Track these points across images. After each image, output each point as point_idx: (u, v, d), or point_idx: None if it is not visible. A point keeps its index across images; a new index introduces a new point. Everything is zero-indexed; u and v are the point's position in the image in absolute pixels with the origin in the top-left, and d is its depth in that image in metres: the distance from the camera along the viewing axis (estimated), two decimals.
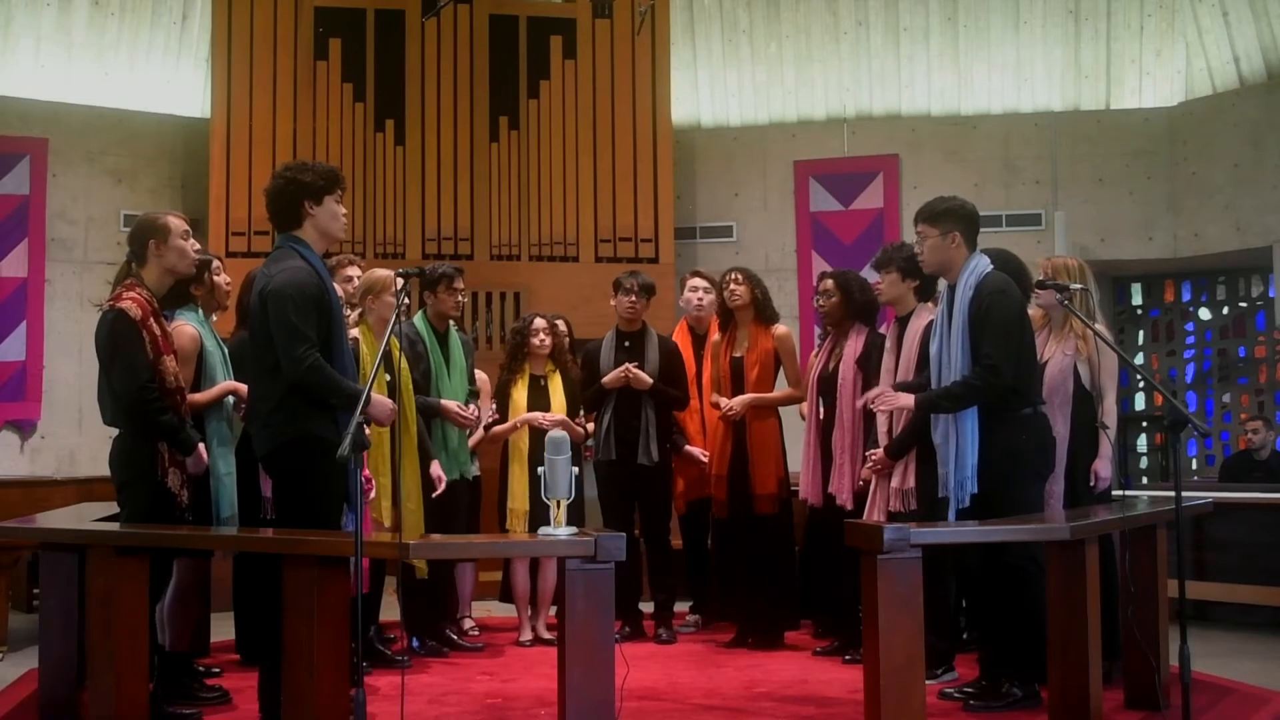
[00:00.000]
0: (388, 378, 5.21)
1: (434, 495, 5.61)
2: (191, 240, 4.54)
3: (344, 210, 4.29)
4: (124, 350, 4.28)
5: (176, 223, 4.48)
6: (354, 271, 5.73)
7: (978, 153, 10.33)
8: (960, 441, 4.51)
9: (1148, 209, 10.12)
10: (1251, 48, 9.77)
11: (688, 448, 6.38)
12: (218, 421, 4.91)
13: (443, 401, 5.83)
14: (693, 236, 10.47)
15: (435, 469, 5.67)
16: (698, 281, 6.63)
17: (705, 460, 6.20)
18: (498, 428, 6.22)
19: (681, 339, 6.61)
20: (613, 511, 6.21)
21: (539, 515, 5.71)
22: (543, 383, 6.25)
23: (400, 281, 4.11)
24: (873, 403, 4.98)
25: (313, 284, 4.05)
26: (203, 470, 4.58)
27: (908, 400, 4.75)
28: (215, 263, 5.19)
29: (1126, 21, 10.18)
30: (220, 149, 9.47)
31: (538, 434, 6.02)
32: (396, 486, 5.22)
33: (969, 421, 4.53)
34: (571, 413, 6.23)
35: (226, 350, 5.07)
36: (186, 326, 4.90)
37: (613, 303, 6.36)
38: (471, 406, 5.95)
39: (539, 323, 6.28)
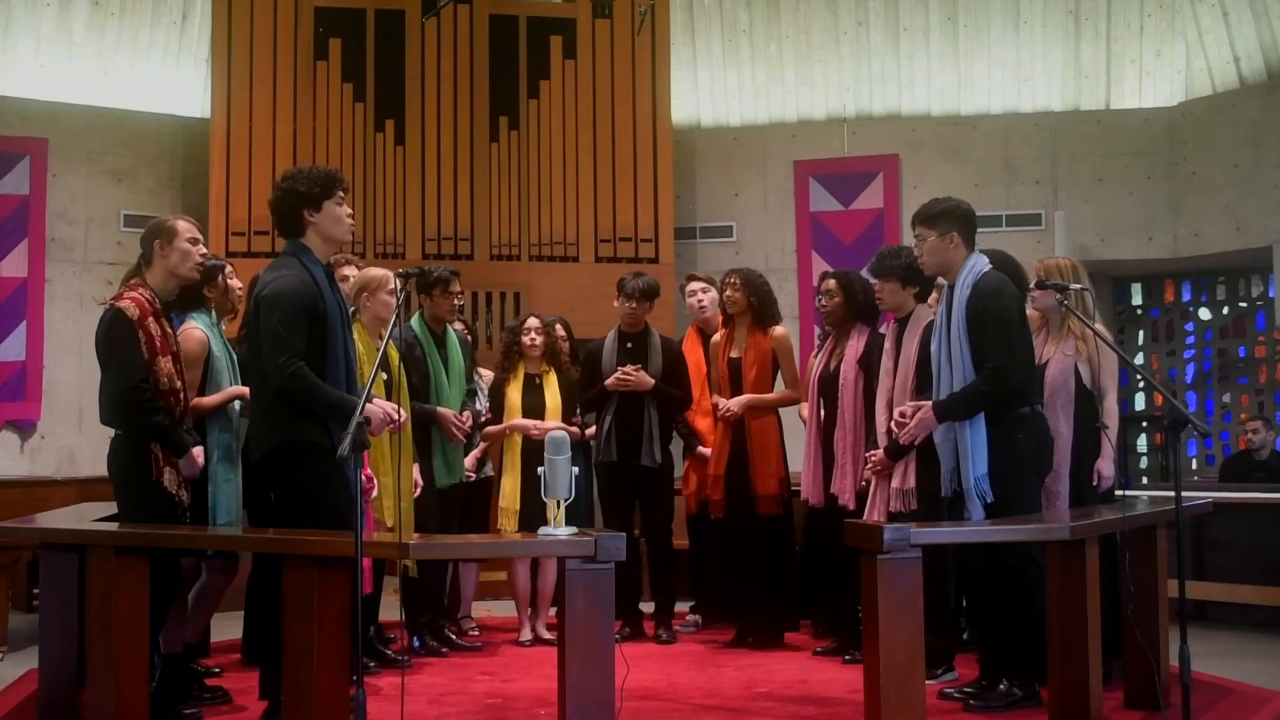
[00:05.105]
0: (384, 377, 5.20)
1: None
2: (199, 246, 4.56)
3: (348, 211, 4.32)
4: (118, 349, 4.30)
5: (185, 226, 4.52)
6: (350, 271, 5.74)
7: (978, 153, 10.32)
8: (973, 439, 4.51)
9: (1148, 209, 10.11)
10: (1251, 48, 9.76)
11: (700, 449, 6.40)
12: (221, 429, 4.89)
13: (439, 409, 5.81)
14: (693, 236, 10.47)
15: (414, 473, 5.64)
16: (695, 285, 6.70)
17: None
18: (490, 428, 6.23)
19: (691, 342, 6.62)
20: (614, 512, 6.22)
21: (535, 514, 5.72)
22: (538, 381, 6.25)
23: (399, 282, 4.13)
24: (900, 436, 4.94)
25: (305, 292, 4.08)
26: (196, 473, 4.55)
27: (930, 420, 4.71)
28: (228, 267, 5.22)
29: (1126, 21, 10.18)
30: (220, 149, 9.47)
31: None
32: (397, 485, 5.21)
33: (975, 419, 4.53)
34: (567, 413, 6.24)
35: (235, 355, 5.08)
36: (195, 330, 4.90)
37: (616, 303, 6.36)
38: (466, 414, 5.95)
39: (531, 322, 6.30)
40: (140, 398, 4.29)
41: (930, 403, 4.73)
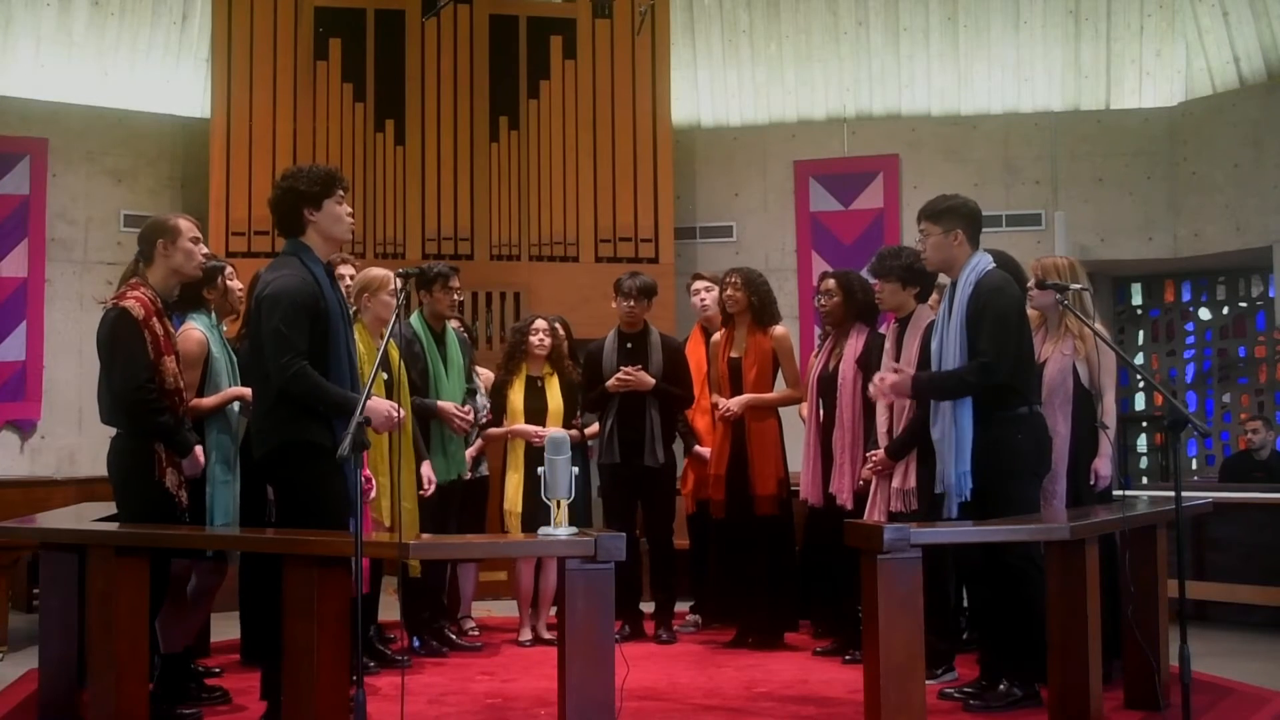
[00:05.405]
0: (385, 376, 5.20)
1: (421, 494, 5.59)
2: (201, 245, 4.56)
3: (348, 210, 4.32)
4: (124, 349, 4.29)
5: (187, 225, 4.52)
6: (347, 270, 5.74)
7: (978, 153, 10.32)
8: (959, 437, 4.52)
9: (1148, 209, 10.11)
10: (1251, 48, 9.76)
11: (697, 448, 6.40)
12: (219, 431, 4.89)
13: (440, 403, 5.82)
14: (693, 236, 10.46)
15: (426, 470, 5.65)
16: (699, 284, 6.72)
17: None
18: (492, 430, 6.23)
19: (695, 342, 6.63)
20: (615, 513, 6.22)
21: (538, 516, 5.71)
22: (540, 384, 6.25)
23: (399, 281, 4.13)
24: (874, 393, 4.98)
25: (306, 291, 4.07)
26: (198, 473, 4.56)
27: (906, 386, 4.75)
28: (228, 268, 5.21)
29: (1126, 21, 10.18)
30: (220, 149, 9.47)
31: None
32: (395, 485, 5.21)
33: (965, 418, 4.54)
34: (569, 416, 6.23)
35: (235, 356, 5.08)
36: (194, 331, 4.90)
37: (614, 305, 6.37)
38: (468, 406, 5.95)
39: (539, 323, 6.29)
40: (146, 398, 4.29)
41: (914, 372, 4.74)
